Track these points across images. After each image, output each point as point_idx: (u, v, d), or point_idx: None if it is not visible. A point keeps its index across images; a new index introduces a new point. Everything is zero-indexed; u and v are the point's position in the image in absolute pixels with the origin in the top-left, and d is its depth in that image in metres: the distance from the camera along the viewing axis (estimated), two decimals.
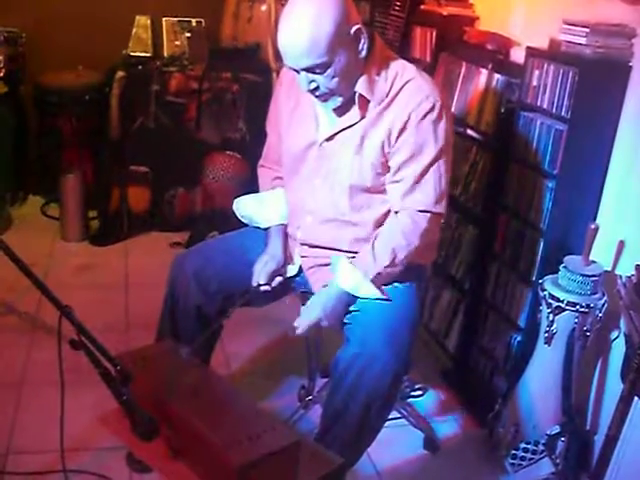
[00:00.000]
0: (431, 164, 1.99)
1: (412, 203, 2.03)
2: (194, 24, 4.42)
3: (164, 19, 4.41)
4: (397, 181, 2.03)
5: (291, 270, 2.24)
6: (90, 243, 4.05)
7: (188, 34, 4.34)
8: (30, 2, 4.25)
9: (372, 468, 2.42)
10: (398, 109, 1.97)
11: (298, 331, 2.05)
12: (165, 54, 4.34)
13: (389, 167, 2.04)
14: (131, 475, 2.28)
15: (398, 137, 1.98)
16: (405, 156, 1.99)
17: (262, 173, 2.38)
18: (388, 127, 1.98)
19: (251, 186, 2.45)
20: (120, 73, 3.99)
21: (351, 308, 2.08)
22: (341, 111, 2.04)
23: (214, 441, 1.54)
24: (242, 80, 4.09)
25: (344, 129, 2.04)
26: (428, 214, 2.03)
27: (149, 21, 4.36)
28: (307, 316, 2.05)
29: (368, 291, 2.04)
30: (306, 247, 2.20)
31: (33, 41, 4.25)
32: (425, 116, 1.95)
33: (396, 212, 2.07)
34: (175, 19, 4.41)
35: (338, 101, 2.00)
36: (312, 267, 2.19)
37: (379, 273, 2.03)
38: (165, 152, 4.08)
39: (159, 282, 2.37)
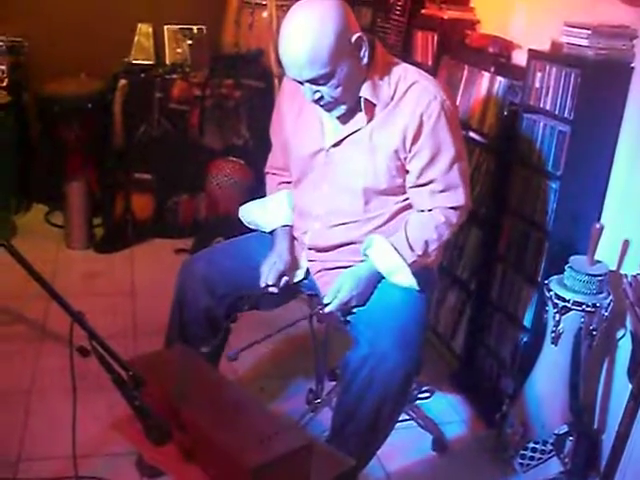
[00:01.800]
0: (453, 162, 2.03)
1: (442, 202, 2.07)
2: (196, 31, 4.44)
3: (166, 27, 4.42)
4: (423, 184, 2.06)
5: (298, 275, 2.25)
6: (95, 251, 4.06)
7: (190, 41, 4.35)
8: (32, 11, 4.26)
9: (381, 470, 2.42)
10: (407, 112, 1.99)
11: (328, 308, 2.04)
12: (167, 61, 4.36)
13: (406, 171, 2.06)
14: None
15: (414, 142, 2.00)
16: (426, 159, 2.02)
17: (268, 179, 2.41)
18: (401, 131, 2.00)
19: (255, 191, 2.47)
20: (123, 81, 4.01)
21: (358, 309, 2.09)
22: (345, 119, 2.06)
23: (227, 444, 1.54)
24: (244, 86, 4.10)
25: (351, 134, 2.06)
26: (459, 210, 2.08)
27: (151, 29, 4.38)
28: (338, 294, 2.04)
29: (404, 278, 2.05)
30: (313, 251, 2.21)
31: (36, 50, 4.27)
32: (438, 117, 1.98)
33: (429, 210, 2.09)
34: (177, 27, 4.42)
35: (342, 109, 2.02)
36: (320, 271, 2.21)
37: (414, 261, 2.05)
38: (168, 159, 4.10)
39: (165, 289, 2.38)
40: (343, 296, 2.03)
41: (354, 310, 2.10)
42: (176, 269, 2.32)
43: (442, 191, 2.06)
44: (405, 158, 2.04)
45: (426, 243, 2.06)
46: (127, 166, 4.08)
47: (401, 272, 2.05)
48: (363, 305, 2.08)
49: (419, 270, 2.09)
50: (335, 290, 2.05)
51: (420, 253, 2.06)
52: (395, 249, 2.04)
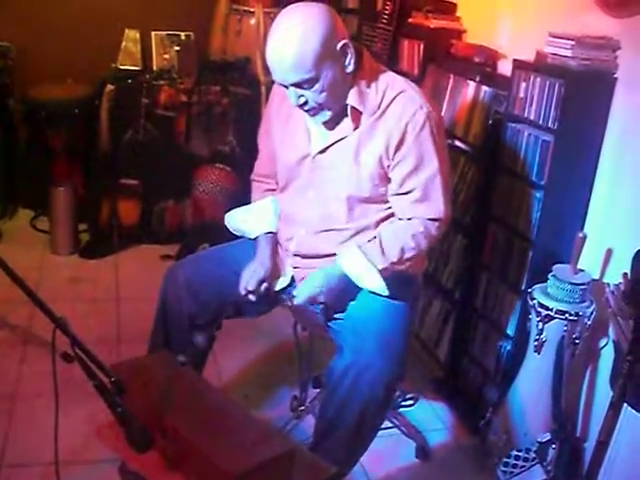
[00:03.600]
0: (436, 173, 2.03)
1: (423, 212, 2.07)
2: (183, 38, 4.44)
3: (153, 33, 4.41)
4: (404, 193, 2.06)
5: (282, 282, 2.25)
6: (80, 256, 4.04)
7: (177, 48, 4.35)
8: (19, 15, 4.24)
9: (365, 477, 2.42)
10: (393, 120, 2.00)
11: (296, 300, 2.05)
12: (154, 67, 4.35)
13: (389, 179, 2.07)
14: None
15: (397, 150, 2.01)
16: (409, 168, 2.02)
17: (254, 186, 2.42)
18: (385, 139, 2.01)
19: (241, 198, 2.47)
20: (110, 86, 4.00)
21: (341, 316, 2.09)
22: (331, 124, 2.07)
23: (209, 451, 1.54)
24: (231, 93, 4.10)
25: (337, 141, 2.06)
26: (437, 222, 2.08)
27: (138, 35, 4.37)
28: (307, 287, 2.05)
29: (373, 283, 2.04)
30: (299, 258, 2.21)
31: (22, 55, 4.24)
32: (422, 127, 1.98)
33: (409, 219, 2.09)
34: (164, 33, 4.42)
35: (327, 115, 2.02)
36: (305, 278, 2.20)
37: (385, 268, 2.04)
38: (155, 165, 4.08)
39: (150, 295, 2.37)
40: (312, 288, 2.04)
41: (336, 316, 2.11)
42: (161, 275, 2.32)
43: (422, 201, 2.06)
44: (388, 166, 2.04)
45: (402, 250, 2.06)
46: (113, 172, 4.07)
47: (370, 276, 2.04)
48: (332, 303, 2.08)
49: (400, 278, 2.10)
50: (305, 283, 2.07)
51: (394, 260, 2.05)
52: (365, 254, 2.04)
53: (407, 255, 2.07)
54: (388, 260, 2.05)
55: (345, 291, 2.09)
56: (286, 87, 1.95)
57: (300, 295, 2.05)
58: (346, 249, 2.09)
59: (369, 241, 2.09)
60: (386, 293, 2.05)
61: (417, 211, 2.07)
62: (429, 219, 2.07)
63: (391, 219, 2.14)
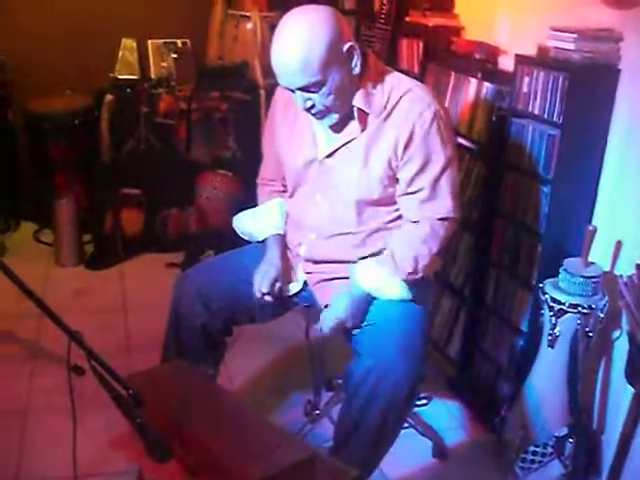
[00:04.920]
0: (443, 171, 2.02)
1: (431, 212, 2.05)
2: (180, 45, 4.42)
3: (149, 41, 4.40)
4: (412, 192, 2.05)
5: (295, 287, 2.25)
6: (85, 267, 4.04)
7: (174, 55, 4.32)
8: (16, 28, 4.24)
9: (383, 478, 2.41)
10: (400, 120, 1.99)
11: (324, 331, 2.04)
12: (152, 76, 4.33)
13: (397, 179, 2.05)
14: None
15: (405, 150, 2.00)
16: (416, 167, 2.01)
17: (260, 190, 2.41)
18: (393, 140, 2.00)
19: (244, 203, 2.47)
20: (108, 96, 3.99)
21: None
22: (338, 127, 2.06)
23: (230, 458, 1.53)
24: (230, 99, 4.10)
25: (345, 144, 2.05)
26: (446, 221, 2.07)
27: (135, 43, 4.36)
28: (332, 316, 2.04)
29: (393, 290, 2.05)
30: (310, 263, 2.20)
31: (20, 67, 4.24)
32: (430, 125, 1.97)
33: (415, 221, 2.08)
34: (161, 41, 4.40)
35: (334, 118, 2.01)
36: (318, 282, 2.20)
37: (402, 280, 2.05)
38: (157, 173, 4.08)
39: (157, 304, 2.37)
40: (338, 317, 2.04)
41: (354, 332, 2.10)
42: (167, 283, 2.31)
43: (430, 200, 2.04)
44: (397, 166, 2.03)
45: (416, 259, 2.05)
46: (115, 182, 4.07)
47: (389, 285, 2.04)
48: (358, 325, 2.07)
49: (415, 280, 2.09)
50: (332, 311, 2.05)
51: (409, 270, 2.05)
52: (380, 264, 2.05)
53: (422, 264, 2.06)
54: (403, 272, 2.04)
55: (369, 305, 2.09)
56: (292, 91, 1.94)
57: (326, 324, 2.04)
58: (360, 265, 2.09)
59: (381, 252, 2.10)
60: (409, 297, 2.05)
61: (425, 211, 2.06)
62: (438, 219, 2.06)
63: (399, 222, 2.13)
